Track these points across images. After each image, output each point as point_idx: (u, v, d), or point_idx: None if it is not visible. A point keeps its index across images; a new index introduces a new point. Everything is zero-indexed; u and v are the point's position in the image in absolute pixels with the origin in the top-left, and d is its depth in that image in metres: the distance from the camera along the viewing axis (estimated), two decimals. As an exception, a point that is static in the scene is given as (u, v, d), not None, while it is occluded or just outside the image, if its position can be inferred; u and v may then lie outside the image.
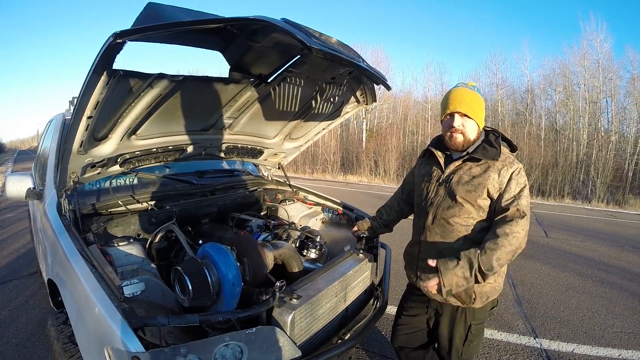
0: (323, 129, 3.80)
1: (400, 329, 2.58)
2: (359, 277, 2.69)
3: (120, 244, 2.44)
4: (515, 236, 1.94)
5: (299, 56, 2.48)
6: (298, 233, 3.12)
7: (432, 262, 2.00)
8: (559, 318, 4.43)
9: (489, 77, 30.90)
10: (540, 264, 6.48)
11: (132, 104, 2.31)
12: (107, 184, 3.02)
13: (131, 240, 2.53)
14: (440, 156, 2.28)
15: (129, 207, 2.87)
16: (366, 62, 2.35)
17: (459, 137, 2.14)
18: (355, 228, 3.03)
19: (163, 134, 2.83)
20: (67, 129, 2.22)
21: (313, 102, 3.15)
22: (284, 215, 3.79)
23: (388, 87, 2.70)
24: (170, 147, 3.03)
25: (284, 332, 1.92)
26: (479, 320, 2.27)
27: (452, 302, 2.23)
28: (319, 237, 3.14)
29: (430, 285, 1.99)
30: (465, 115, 2.11)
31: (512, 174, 2.05)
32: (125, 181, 3.27)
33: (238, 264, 2.11)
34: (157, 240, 2.65)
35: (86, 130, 2.18)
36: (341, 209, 3.76)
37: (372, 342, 3.72)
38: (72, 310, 1.94)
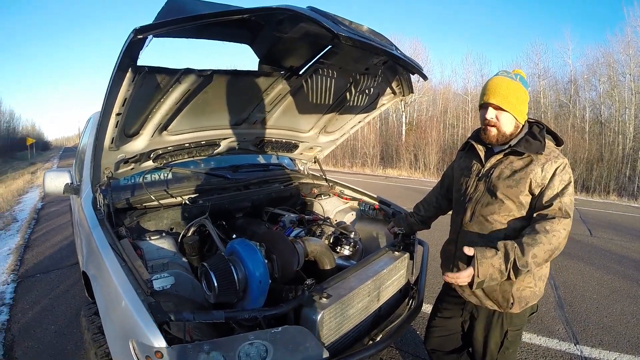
0: (359, 122, 3.70)
1: (433, 330, 2.49)
2: (393, 275, 2.60)
3: (152, 237, 2.46)
4: (556, 235, 1.81)
5: (329, 46, 2.40)
6: (332, 229, 3.04)
7: (468, 250, 1.86)
8: (601, 324, 4.18)
9: (530, 68, 29.73)
10: (583, 265, 6.07)
11: (161, 100, 2.31)
12: (140, 179, 3.06)
13: (163, 234, 2.55)
14: (480, 149, 2.15)
15: (163, 201, 2.89)
16: (399, 50, 2.26)
17: (492, 131, 2.03)
18: (392, 224, 2.93)
19: (195, 129, 2.83)
20: (100, 126, 2.26)
21: (347, 94, 3.07)
22: (319, 210, 3.74)
23: (424, 77, 2.59)
24: (203, 142, 3.03)
25: (312, 332, 1.86)
26: (516, 326, 2.15)
27: (489, 306, 2.12)
28: (353, 233, 3.05)
29: (463, 276, 1.84)
30: (499, 108, 1.98)
31: (556, 169, 1.92)
32: (159, 176, 3.30)
33: (266, 260, 2.08)
34: (189, 234, 2.66)
35: (116, 127, 2.20)
36: (378, 204, 3.65)
37: (406, 341, 3.62)
38: (102, 303, 1.96)
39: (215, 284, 1.88)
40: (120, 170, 2.75)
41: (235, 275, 1.94)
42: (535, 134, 2.01)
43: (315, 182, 4.15)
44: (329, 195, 3.94)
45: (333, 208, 3.78)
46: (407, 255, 2.75)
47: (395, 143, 28.34)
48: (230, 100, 2.70)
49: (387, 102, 3.40)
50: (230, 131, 3.07)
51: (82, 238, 2.64)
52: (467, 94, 31.22)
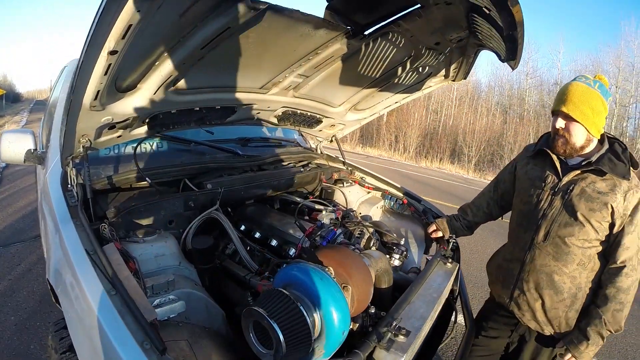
0: (395, 103, 3.13)
1: (475, 350, 2.36)
2: (447, 291, 2.14)
3: (146, 238, 1.82)
4: (636, 284, 1.83)
5: (417, 5, 1.83)
6: (371, 229, 2.44)
7: (565, 357, 1.95)
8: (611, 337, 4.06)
9: (520, 64, 30.58)
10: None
11: (182, 40, 1.57)
12: (126, 150, 2.41)
13: (160, 231, 1.93)
14: (556, 160, 2.00)
15: (155, 181, 2.22)
16: None
17: (560, 141, 1.93)
18: (434, 227, 2.57)
19: (212, 89, 2.12)
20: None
21: (400, 68, 2.49)
22: (341, 199, 3.12)
23: (515, 66, 2.09)
24: (217, 107, 2.32)
25: None
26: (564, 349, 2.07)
27: (547, 332, 2.05)
28: (403, 239, 2.62)
29: None
30: (570, 118, 1.86)
31: (638, 203, 1.81)
32: (151, 146, 2.58)
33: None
34: (192, 230, 2.04)
35: (105, 74, 1.44)
36: (406, 198, 3.11)
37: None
38: (84, 351, 1.32)
39: (282, 340, 1.20)
40: (102, 139, 2.00)
41: (308, 321, 1.27)
42: (619, 154, 1.89)
43: (331, 164, 3.55)
44: (350, 183, 3.32)
45: (356, 198, 3.19)
46: (458, 266, 2.31)
47: (377, 122, 28.04)
48: (272, 53, 1.99)
49: (435, 85, 2.90)
50: (255, 96, 2.37)
51: (47, 228, 1.94)
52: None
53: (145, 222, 2.01)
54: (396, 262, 2.34)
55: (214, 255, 1.98)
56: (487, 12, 1.55)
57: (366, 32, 2.03)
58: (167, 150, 2.62)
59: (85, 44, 1.26)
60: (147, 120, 2.11)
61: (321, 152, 3.71)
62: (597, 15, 52.83)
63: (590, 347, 1.85)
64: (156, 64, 1.67)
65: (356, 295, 1.51)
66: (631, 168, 1.88)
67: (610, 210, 1.80)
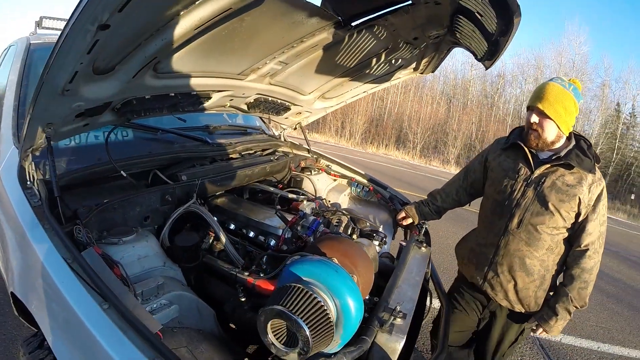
0: (363, 92, 3.17)
1: (452, 326, 2.44)
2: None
3: (124, 239, 1.67)
4: (598, 265, 2.02)
5: (409, 2, 1.83)
6: (347, 217, 2.42)
7: (537, 331, 2.17)
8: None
9: (464, 56, 31.63)
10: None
11: (177, 17, 1.44)
12: (88, 140, 2.26)
13: (138, 229, 1.79)
14: (528, 153, 2.12)
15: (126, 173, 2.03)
16: None
17: (533, 135, 2.05)
18: (403, 214, 2.69)
19: (192, 73, 2.00)
20: (36, 56, 1.63)
21: (374, 60, 2.51)
22: (309, 187, 3.13)
23: (488, 67, 2.17)
24: (193, 93, 2.19)
25: None
26: (531, 323, 2.25)
27: (517, 309, 2.20)
28: (381, 226, 2.60)
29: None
30: (544, 114, 1.97)
31: (599, 194, 1.99)
32: (115, 135, 2.37)
33: None
34: (169, 225, 1.95)
35: (89, 52, 1.28)
36: (372, 185, 3.22)
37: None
38: None
39: (309, 335, 1.17)
40: (66, 128, 1.77)
41: (330, 314, 1.26)
42: (585, 150, 2.05)
43: (296, 152, 3.54)
44: (318, 171, 3.34)
45: (324, 186, 3.22)
46: (430, 250, 2.41)
47: (323, 108, 28.25)
48: (261, 39, 1.91)
49: (403, 76, 2.97)
50: (232, 82, 2.27)
51: (2, 231, 1.74)
52: (399, 69, 32.18)
53: (119, 219, 1.84)
54: (377, 249, 2.34)
55: (199, 253, 1.90)
56: (479, 17, 1.59)
57: (353, 23, 2.01)
58: (132, 140, 2.45)
59: (71, 17, 1.11)
60: (117, 107, 1.93)
61: (285, 140, 3.68)
62: (542, 13, 55.28)
63: (559, 322, 2.05)
64: (143, 43, 1.52)
65: (361, 283, 1.54)
66: (595, 163, 2.03)
67: (577, 201, 1.96)
